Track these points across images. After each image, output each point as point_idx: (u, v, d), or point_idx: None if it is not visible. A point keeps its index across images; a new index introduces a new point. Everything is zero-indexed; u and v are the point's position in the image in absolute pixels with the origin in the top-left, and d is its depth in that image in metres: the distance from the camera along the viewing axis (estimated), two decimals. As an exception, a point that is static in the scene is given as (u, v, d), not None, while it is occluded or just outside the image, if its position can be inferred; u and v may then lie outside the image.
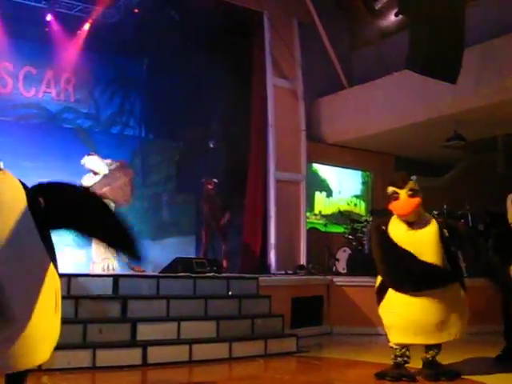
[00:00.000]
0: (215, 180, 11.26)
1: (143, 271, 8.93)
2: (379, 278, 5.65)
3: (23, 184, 3.51)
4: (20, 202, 3.39)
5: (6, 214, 3.31)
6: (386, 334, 5.77)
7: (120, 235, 3.76)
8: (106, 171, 9.42)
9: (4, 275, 3.21)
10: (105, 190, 8.99)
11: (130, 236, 3.74)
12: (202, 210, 11.57)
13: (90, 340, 6.26)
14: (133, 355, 6.23)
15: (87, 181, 9.20)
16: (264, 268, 11.05)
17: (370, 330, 8.84)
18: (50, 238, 3.56)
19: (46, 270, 3.44)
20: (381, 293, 5.61)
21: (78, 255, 10.32)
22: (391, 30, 12.93)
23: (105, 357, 6.07)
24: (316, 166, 13.73)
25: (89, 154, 9.55)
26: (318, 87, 13.06)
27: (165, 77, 12.89)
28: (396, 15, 11.87)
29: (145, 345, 6.36)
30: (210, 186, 11.20)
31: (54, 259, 3.55)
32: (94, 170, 9.43)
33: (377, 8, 13.11)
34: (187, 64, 12.31)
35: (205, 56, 12.17)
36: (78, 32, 12.21)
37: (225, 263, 10.65)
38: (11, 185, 3.44)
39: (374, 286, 5.76)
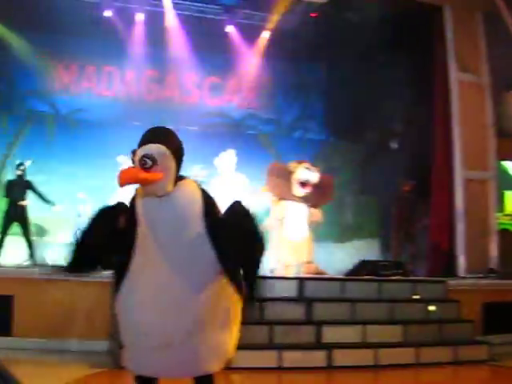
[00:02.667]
0: (412, 182, 10.99)
1: (324, 273, 8.89)
2: None
3: (204, 191, 3.55)
4: (196, 208, 3.46)
5: (178, 223, 3.41)
6: None
7: (252, 271, 3.66)
8: (316, 179, 9.07)
9: (168, 281, 3.33)
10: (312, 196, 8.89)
11: (258, 276, 3.56)
12: (395, 212, 11.29)
13: (275, 341, 6.36)
14: (318, 357, 6.24)
15: (299, 192, 8.99)
16: (451, 271, 10.57)
17: None
18: (226, 241, 3.54)
19: (214, 278, 3.44)
20: None
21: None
22: None
23: (290, 358, 6.14)
24: (506, 163, 12.94)
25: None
26: (506, 80, 12.31)
27: (344, 79, 12.84)
28: None
29: (330, 347, 6.34)
30: (406, 188, 10.97)
31: (230, 272, 3.48)
32: (308, 180, 8.98)
33: None
34: (366, 65, 12.17)
35: (383, 55, 11.94)
36: (258, 40, 12.54)
37: (410, 266, 10.35)
38: (189, 191, 3.52)
39: None
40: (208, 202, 3.47)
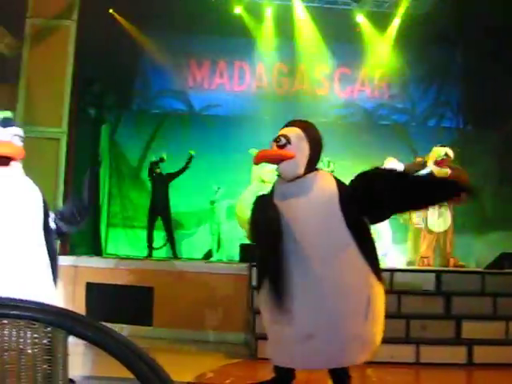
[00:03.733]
0: None
1: (463, 266, 8.55)
2: None
3: (338, 181, 3.56)
4: (330, 193, 3.44)
5: (315, 206, 3.40)
6: None
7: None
8: (452, 154, 8.72)
9: (308, 270, 3.30)
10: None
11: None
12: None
13: (413, 335, 6.20)
14: (457, 353, 6.00)
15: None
16: None
17: None
18: (365, 230, 3.52)
19: (355, 267, 3.42)
20: None
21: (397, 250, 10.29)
22: None
23: (428, 353, 5.95)
24: None
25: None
26: None
27: (482, 63, 12.24)
28: None
29: (470, 343, 6.08)
30: None
31: (371, 260, 3.46)
32: (444, 155, 8.56)
33: None
34: (507, 47, 11.53)
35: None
36: (388, 28, 12.26)
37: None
38: (323, 180, 3.52)
39: None
40: (343, 189, 3.46)
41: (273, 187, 3.67)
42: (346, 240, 3.36)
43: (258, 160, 3.59)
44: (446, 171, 8.36)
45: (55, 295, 3.54)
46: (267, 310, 3.50)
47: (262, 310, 3.62)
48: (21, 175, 3.66)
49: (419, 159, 8.81)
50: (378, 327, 3.47)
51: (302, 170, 3.47)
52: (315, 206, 3.42)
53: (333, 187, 3.46)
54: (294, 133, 3.50)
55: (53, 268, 3.59)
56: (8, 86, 9.78)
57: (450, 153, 8.55)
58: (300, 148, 3.46)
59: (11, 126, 3.67)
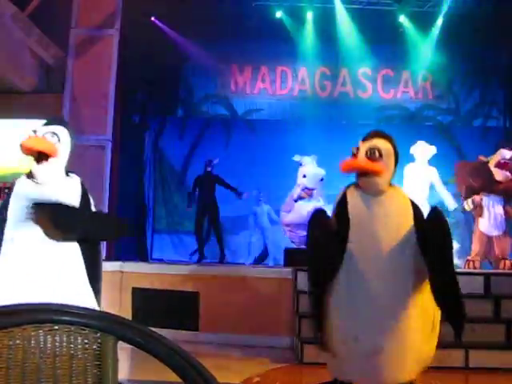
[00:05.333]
0: None
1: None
2: None
3: (412, 201, 3.51)
4: (406, 217, 3.41)
5: (392, 227, 3.36)
6: None
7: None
8: None
9: (379, 287, 3.28)
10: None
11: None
12: None
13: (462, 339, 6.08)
14: (507, 358, 5.87)
15: (498, 174, 8.30)
16: None
17: None
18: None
19: (421, 286, 3.35)
20: None
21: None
22: None
23: (478, 358, 5.84)
24: None
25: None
26: None
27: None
28: None
29: (521, 347, 5.96)
30: None
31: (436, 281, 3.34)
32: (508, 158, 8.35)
33: None
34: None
35: None
36: (431, 28, 12.11)
37: None
38: (401, 196, 3.50)
39: None
40: (417, 210, 3.46)
41: (343, 197, 3.57)
42: (415, 259, 3.31)
43: (346, 169, 3.49)
44: (507, 175, 8.21)
45: (92, 299, 3.52)
46: (334, 327, 3.47)
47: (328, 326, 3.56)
48: (59, 173, 3.63)
49: (482, 158, 8.62)
50: (434, 345, 3.46)
51: (386, 187, 3.44)
52: (392, 226, 3.37)
53: (409, 209, 3.42)
54: (387, 148, 3.44)
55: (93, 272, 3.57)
56: (53, 95, 9.97)
57: None
58: (388, 164, 3.41)
59: (53, 124, 3.67)
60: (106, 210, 9.59)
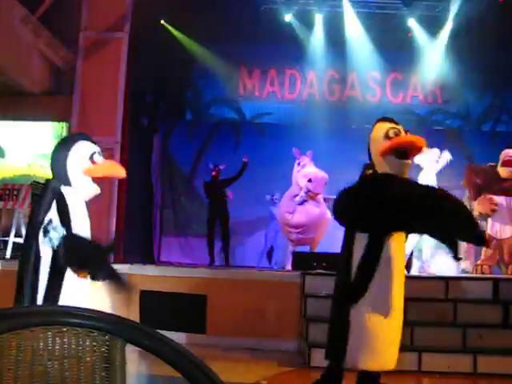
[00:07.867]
0: None
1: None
2: None
3: None
4: None
5: None
6: None
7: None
8: None
9: None
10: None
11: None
12: None
13: (469, 345, 6.06)
14: (515, 364, 5.83)
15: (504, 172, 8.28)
16: None
17: None
18: None
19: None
20: None
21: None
22: None
23: (486, 363, 5.81)
24: None
25: None
26: None
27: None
28: None
29: (530, 354, 5.91)
30: None
31: None
32: None
33: None
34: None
35: None
36: (441, 32, 12.08)
37: None
38: None
39: None
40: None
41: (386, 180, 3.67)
42: None
43: (423, 144, 3.82)
44: None
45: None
46: (367, 314, 3.56)
47: (358, 313, 3.62)
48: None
49: (492, 165, 8.62)
50: None
51: None
52: None
53: None
54: None
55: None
56: (63, 97, 10.02)
57: None
58: None
59: (88, 141, 3.53)
60: (114, 212, 9.64)
